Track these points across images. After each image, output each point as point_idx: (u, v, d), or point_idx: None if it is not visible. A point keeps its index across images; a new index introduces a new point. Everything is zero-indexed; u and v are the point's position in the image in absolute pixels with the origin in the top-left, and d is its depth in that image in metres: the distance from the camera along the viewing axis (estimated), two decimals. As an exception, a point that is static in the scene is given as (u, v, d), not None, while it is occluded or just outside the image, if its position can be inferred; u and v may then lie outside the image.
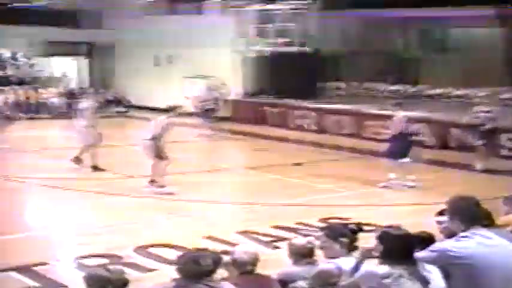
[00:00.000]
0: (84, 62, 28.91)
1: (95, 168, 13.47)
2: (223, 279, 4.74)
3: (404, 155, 12.35)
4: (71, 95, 25.04)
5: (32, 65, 26.19)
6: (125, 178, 13.13)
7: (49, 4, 25.30)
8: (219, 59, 23.41)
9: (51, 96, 24.78)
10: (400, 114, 13.05)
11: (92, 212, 10.55)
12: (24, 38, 25.27)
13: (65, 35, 26.83)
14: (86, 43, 28.32)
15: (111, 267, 4.89)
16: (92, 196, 11.51)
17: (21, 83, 24.69)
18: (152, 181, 11.70)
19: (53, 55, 27.60)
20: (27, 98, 23.93)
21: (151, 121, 12.13)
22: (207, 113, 21.95)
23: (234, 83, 23.67)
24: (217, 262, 4.47)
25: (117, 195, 11.54)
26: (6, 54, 25.85)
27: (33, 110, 23.42)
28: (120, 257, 7.91)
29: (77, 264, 7.80)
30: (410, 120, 13.15)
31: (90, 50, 28.73)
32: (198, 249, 4.65)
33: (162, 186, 11.65)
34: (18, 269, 7.44)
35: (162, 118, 11.76)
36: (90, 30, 27.57)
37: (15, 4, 24.90)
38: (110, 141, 17.67)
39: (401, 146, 12.45)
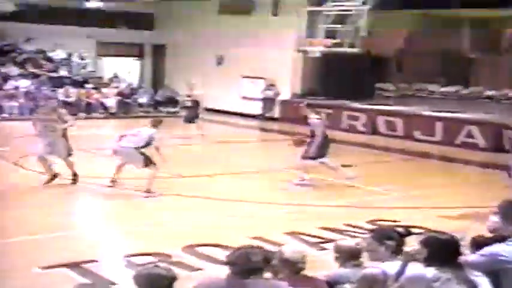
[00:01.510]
0: (136, 62, 29.33)
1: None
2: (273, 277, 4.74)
3: (324, 155, 12.85)
4: (122, 95, 25.40)
5: (84, 66, 26.67)
6: (174, 178, 13.25)
7: (103, 6, 25.70)
8: (271, 59, 23.47)
9: (103, 96, 25.16)
10: (322, 115, 13.62)
11: (141, 210, 10.68)
12: (78, 39, 25.75)
13: (118, 36, 27.31)
14: (138, 44, 28.72)
15: (160, 264, 4.95)
16: (139, 195, 11.65)
17: (74, 83, 25.13)
18: (147, 191, 11.59)
19: (105, 56, 28.07)
20: (80, 98, 24.34)
21: (137, 130, 12.05)
22: (261, 113, 22.09)
23: (284, 83, 23.69)
24: (268, 260, 4.47)
25: (166, 195, 11.64)
26: (62, 55, 26.36)
27: (86, 110, 23.80)
28: (168, 256, 7.98)
29: (125, 262, 7.91)
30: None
31: (142, 51, 29.12)
32: (250, 246, 4.66)
33: (149, 192, 11.57)
34: (69, 266, 7.57)
35: (152, 131, 11.80)
36: (142, 31, 28.00)
37: (70, 5, 25.39)
38: (163, 141, 17.94)
39: (322, 145, 12.80)
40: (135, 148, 11.52)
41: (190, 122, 19.38)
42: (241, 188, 12.55)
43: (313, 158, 12.91)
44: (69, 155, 12.04)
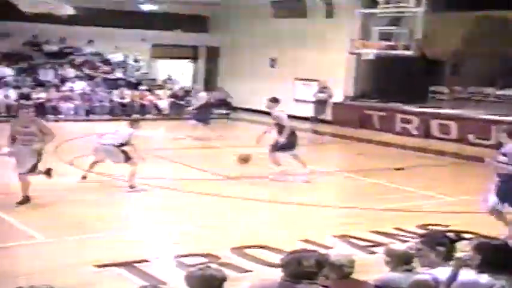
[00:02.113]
0: (189, 64, 29.61)
1: None
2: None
3: (293, 147, 13.30)
4: (176, 97, 25.66)
5: (139, 68, 27.06)
6: (223, 180, 13.33)
7: (159, 8, 26.02)
8: (324, 61, 23.42)
9: (157, 98, 25.47)
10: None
11: (190, 211, 10.76)
12: (133, 42, 26.15)
13: (172, 39, 27.63)
14: (192, 46, 28.98)
15: (211, 265, 4.99)
16: (190, 196, 11.76)
17: (128, 85, 25.52)
18: (130, 186, 11.96)
19: (159, 58, 28.43)
20: (134, 100, 24.70)
21: (116, 130, 12.46)
22: (314, 115, 21.94)
23: (337, 86, 23.58)
24: (320, 264, 4.46)
25: (215, 196, 11.73)
26: (118, 57, 26.82)
27: (139, 112, 24.13)
28: (217, 257, 8.04)
29: (176, 263, 8.00)
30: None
31: (196, 53, 29.38)
32: (304, 250, 4.66)
33: (132, 187, 11.96)
34: (122, 265, 7.70)
35: (130, 130, 12.27)
36: (196, 33, 28.26)
37: (126, 8, 25.80)
38: (210, 143, 18.10)
39: (290, 137, 13.24)
40: (115, 145, 12.01)
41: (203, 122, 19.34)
42: (292, 190, 12.55)
43: (283, 150, 13.26)
44: (32, 171, 10.70)
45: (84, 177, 12.41)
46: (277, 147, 13.34)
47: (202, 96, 17.59)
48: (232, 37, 26.98)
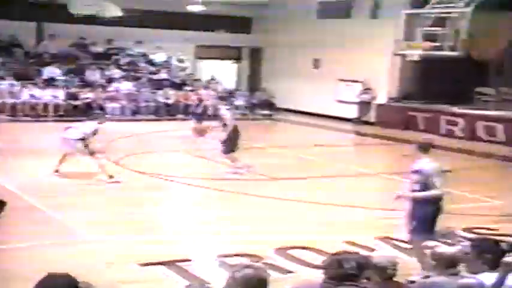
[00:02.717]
0: (233, 65, 29.73)
1: None
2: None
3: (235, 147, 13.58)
4: (219, 98, 25.77)
5: (183, 69, 27.27)
6: (267, 180, 13.36)
7: (205, 10, 26.16)
8: (368, 62, 23.27)
9: (209, 98, 25.57)
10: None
11: (233, 211, 10.81)
12: (177, 42, 26.37)
13: (216, 39, 27.79)
14: (236, 47, 29.09)
15: (254, 266, 5.00)
16: (233, 196, 11.81)
17: (173, 85, 25.73)
18: (111, 176, 12.35)
19: (203, 59, 28.60)
20: (178, 100, 24.89)
21: (81, 123, 13.09)
22: (357, 117, 21.87)
23: (381, 87, 23.43)
24: (362, 266, 4.44)
25: (259, 197, 11.75)
26: (162, 58, 27.08)
27: (183, 112, 24.29)
28: (260, 257, 8.06)
29: (219, 262, 8.04)
30: None
31: (239, 54, 29.48)
32: (345, 252, 4.65)
33: (112, 177, 12.30)
34: (165, 264, 7.78)
35: (93, 123, 12.84)
36: (240, 34, 28.37)
37: (170, 10, 26.02)
38: (254, 143, 18.13)
39: (233, 138, 13.52)
40: (77, 139, 12.42)
41: None
42: (335, 192, 12.51)
43: (232, 151, 13.58)
44: None
45: (57, 171, 12.71)
46: (225, 151, 13.64)
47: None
48: (275, 38, 26.98)
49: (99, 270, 7.28)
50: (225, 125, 13.74)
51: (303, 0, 25.46)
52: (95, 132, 12.61)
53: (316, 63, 26.12)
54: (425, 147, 8.02)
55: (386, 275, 5.02)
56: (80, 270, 7.06)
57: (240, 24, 28.54)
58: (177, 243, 8.87)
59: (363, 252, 7.44)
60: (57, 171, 12.74)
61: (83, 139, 12.44)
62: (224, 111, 14.06)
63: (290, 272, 7.77)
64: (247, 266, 4.27)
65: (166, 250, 8.35)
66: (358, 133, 20.99)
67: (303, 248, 8.52)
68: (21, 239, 8.44)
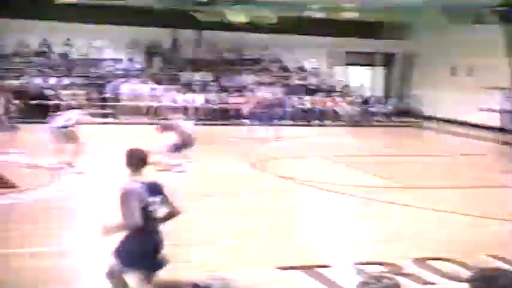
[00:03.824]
0: (379, 71, 29.44)
1: None
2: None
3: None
4: (355, 104, 25.66)
5: (332, 75, 27.39)
6: (408, 188, 13.13)
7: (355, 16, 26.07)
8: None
9: (336, 104, 25.60)
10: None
11: (374, 219, 10.71)
12: (311, 48, 26.50)
13: (364, 46, 27.63)
14: (385, 53, 28.80)
15: (387, 275, 4.94)
16: (374, 204, 11.71)
17: (308, 91, 25.88)
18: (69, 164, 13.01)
19: (351, 65, 28.56)
20: (313, 106, 25.01)
21: (64, 113, 14.00)
22: (501, 125, 21.11)
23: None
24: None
25: (399, 205, 11.58)
26: (296, 64, 27.34)
27: (319, 118, 24.38)
28: (399, 267, 7.94)
29: (356, 270, 7.99)
30: None
31: (388, 60, 29.16)
32: (496, 269, 4.48)
33: (70, 164, 13.05)
34: (304, 269, 7.82)
35: (76, 112, 13.94)
36: (388, 40, 28.03)
37: (304, 15, 26.12)
38: (395, 151, 17.92)
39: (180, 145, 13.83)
40: (58, 127, 13.19)
41: None
42: (473, 202, 12.08)
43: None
44: None
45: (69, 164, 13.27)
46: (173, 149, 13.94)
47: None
48: (412, 44, 26.49)
49: (237, 271, 7.43)
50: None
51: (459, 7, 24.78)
52: (74, 121, 13.46)
53: (454, 70, 25.38)
54: None
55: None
56: (218, 269, 7.32)
57: (374, 29, 28.18)
58: (318, 248, 8.90)
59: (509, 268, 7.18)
60: (70, 164, 13.26)
61: (63, 127, 13.30)
62: (181, 122, 14.51)
63: (430, 283, 7.59)
64: (379, 276, 4.23)
65: (306, 255, 8.40)
66: (504, 142, 20.17)
67: (444, 259, 8.29)
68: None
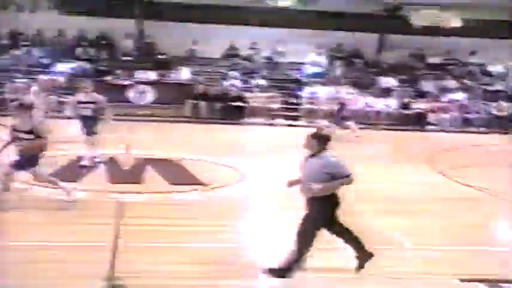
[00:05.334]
0: None
1: None
2: None
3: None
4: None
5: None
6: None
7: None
8: None
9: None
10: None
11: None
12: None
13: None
14: None
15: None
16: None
17: (508, 98, 24.82)
18: None
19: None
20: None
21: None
22: None
23: None
24: None
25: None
26: (499, 69, 26.35)
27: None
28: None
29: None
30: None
31: None
32: None
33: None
34: (486, 282, 7.60)
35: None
36: None
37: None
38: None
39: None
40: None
41: None
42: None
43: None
44: None
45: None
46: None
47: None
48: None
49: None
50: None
51: None
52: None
53: None
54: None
55: None
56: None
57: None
58: (503, 261, 8.58)
59: None
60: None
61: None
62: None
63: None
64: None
65: (490, 267, 8.19)
66: None
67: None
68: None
